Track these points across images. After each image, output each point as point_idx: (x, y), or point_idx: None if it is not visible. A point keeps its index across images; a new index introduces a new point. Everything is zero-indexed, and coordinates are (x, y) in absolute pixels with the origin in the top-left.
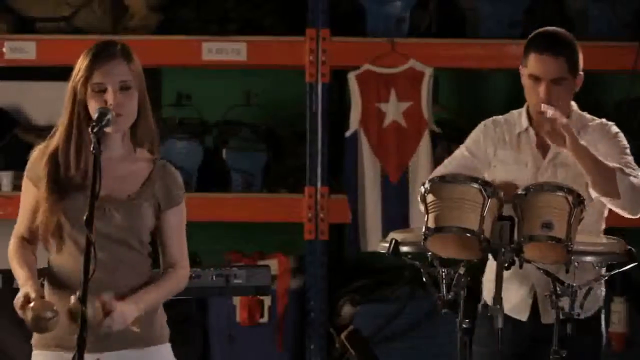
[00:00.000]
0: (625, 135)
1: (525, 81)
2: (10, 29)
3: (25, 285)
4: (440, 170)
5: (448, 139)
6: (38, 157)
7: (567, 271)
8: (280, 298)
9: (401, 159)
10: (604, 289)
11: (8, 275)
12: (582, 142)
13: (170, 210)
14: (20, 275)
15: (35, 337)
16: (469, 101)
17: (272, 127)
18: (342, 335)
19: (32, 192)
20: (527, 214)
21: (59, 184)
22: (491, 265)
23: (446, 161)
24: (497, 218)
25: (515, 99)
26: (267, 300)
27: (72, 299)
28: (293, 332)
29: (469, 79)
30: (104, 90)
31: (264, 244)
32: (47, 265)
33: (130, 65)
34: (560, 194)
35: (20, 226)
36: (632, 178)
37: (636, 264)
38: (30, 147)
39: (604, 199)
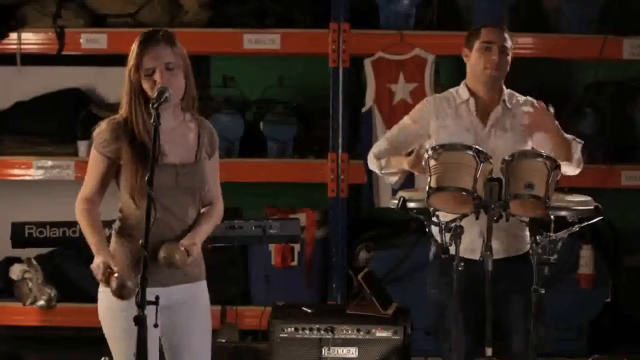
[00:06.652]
0: (590, 110)
1: (474, 54)
2: (86, 24)
3: (99, 252)
4: (387, 136)
5: None
6: (104, 133)
7: (547, 224)
8: (308, 245)
9: None
10: None
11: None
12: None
13: (212, 157)
14: (93, 240)
15: None
16: None
17: (302, 104)
18: (359, 276)
19: (99, 162)
20: (512, 176)
21: (138, 151)
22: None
23: (393, 129)
24: (487, 179)
25: None
26: (297, 247)
27: (161, 253)
28: (318, 274)
29: (464, 64)
30: (153, 73)
31: (294, 200)
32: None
33: (173, 48)
34: (540, 160)
35: (86, 189)
36: (577, 144)
37: (602, 217)
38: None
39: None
